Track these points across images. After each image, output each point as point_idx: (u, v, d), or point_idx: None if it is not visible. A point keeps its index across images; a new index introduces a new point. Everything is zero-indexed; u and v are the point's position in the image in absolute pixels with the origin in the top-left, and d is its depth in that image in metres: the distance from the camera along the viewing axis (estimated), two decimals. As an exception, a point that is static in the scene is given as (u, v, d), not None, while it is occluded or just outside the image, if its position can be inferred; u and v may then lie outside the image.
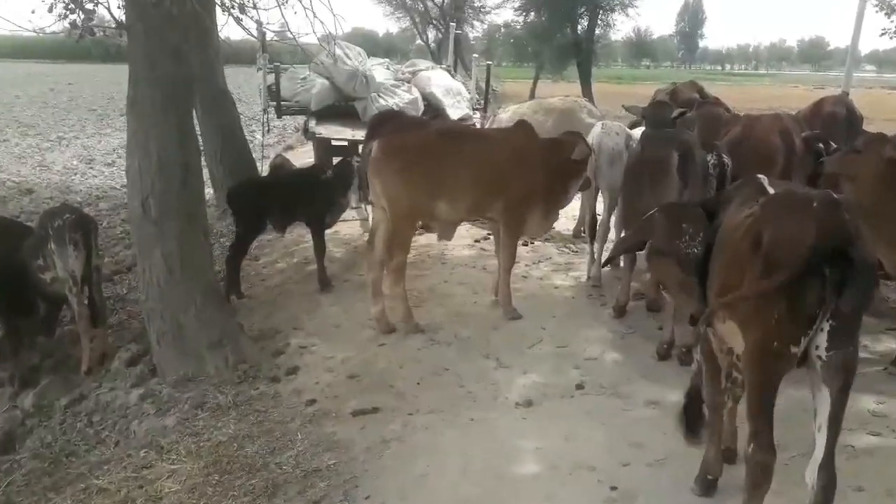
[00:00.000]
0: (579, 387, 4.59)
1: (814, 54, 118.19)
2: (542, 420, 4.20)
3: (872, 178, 4.70)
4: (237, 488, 3.57)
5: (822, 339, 2.74)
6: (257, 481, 3.61)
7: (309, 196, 6.37)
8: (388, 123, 5.88)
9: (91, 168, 13.57)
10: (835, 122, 6.72)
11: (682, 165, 5.02)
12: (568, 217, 8.66)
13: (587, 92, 24.75)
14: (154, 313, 4.92)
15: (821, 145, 5.84)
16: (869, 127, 7.12)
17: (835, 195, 2.82)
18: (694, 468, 3.54)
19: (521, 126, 5.89)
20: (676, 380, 4.61)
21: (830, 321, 2.71)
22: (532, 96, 24.21)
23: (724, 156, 5.46)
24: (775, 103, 8.36)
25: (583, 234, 7.51)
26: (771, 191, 3.10)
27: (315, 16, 5.19)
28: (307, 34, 6.44)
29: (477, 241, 7.74)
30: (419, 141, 5.22)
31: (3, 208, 9.96)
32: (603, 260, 5.93)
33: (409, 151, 5.15)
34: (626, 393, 4.52)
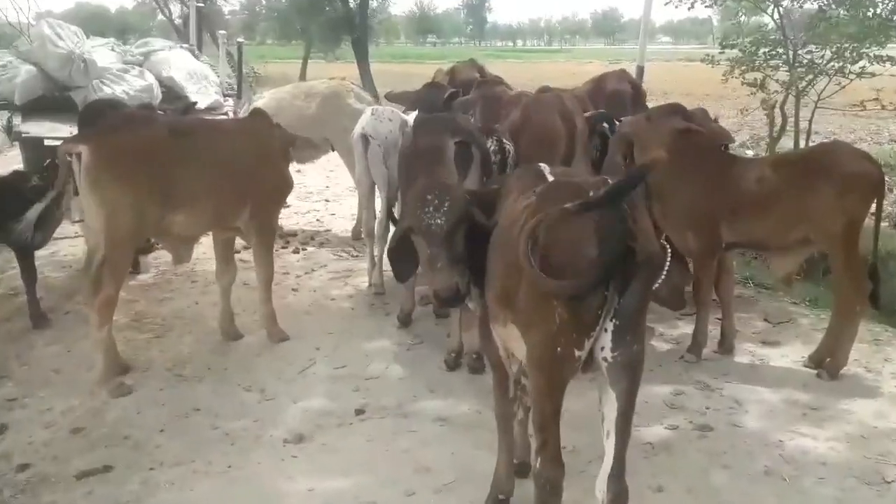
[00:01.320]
0: (359, 411, 4.61)
1: (608, 27, 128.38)
2: (315, 456, 4.16)
3: (660, 149, 5.13)
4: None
5: (606, 340, 2.86)
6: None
7: (10, 210, 5.84)
8: (103, 118, 5.52)
9: None
10: (619, 98, 7.30)
11: (459, 153, 5.19)
12: (346, 217, 8.73)
13: (365, 72, 25.12)
14: None
15: (605, 125, 6.29)
16: (669, 100, 7.80)
17: (610, 181, 2.92)
18: (485, 489, 3.66)
19: (258, 115, 5.85)
20: (467, 389, 4.82)
21: (614, 320, 2.84)
22: (303, 78, 24.13)
23: (506, 141, 5.74)
24: (570, 80, 8.96)
25: (363, 237, 7.57)
26: (551, 179, 3.24)
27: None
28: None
29: (236, 251, 7.53)
30: (144, 140, 4.80)
31: None
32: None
33: (131, 154, 4.72)
34: (412, 412, 4.61)
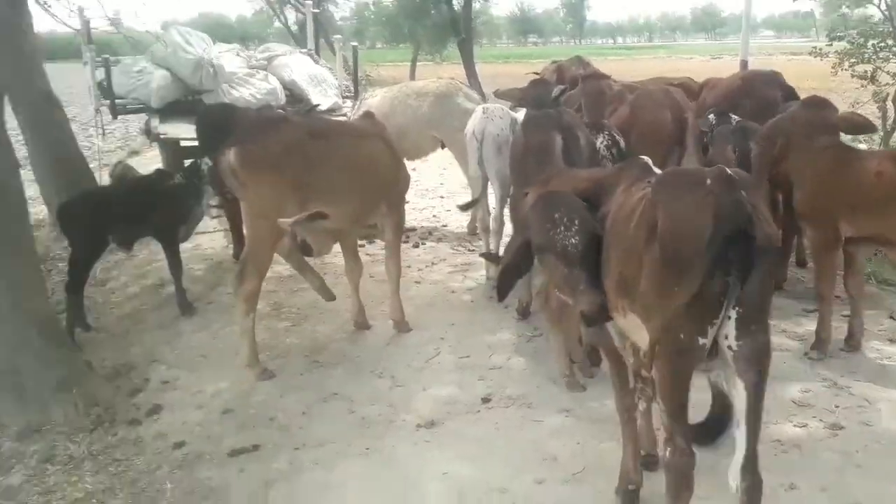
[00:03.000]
0: (485, 400, 4.64)
1: (707, 22, 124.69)
2: (446, 441, 4.22)
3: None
4: (97, 551, 3.41)
5: (730, 329, 2.80)
6: (121, 541, 3.46)
7: (156, 207, 6.14)
8: (245, 123, 5.73)
9: None
10: (768, 103, 6.87)
11: (566, 148, 5.15)
12: (460, 213, 8.79)
13: (471, 73, 25.14)
14: (-17, 356, 4.62)
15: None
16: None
17: (728, 170, 2.85)
18: (613, 480, 3.65)
19: (368, 116, 6.01)
20: (589, 383, 4.76)
21: (737, 308, 2.77)
22: (412, 80, 24.34)
23: (617, 135, 5.67)
24: (671, 77, 8.77)
25: (478, 232, 7.61)
26: (657, 171, 3.18)
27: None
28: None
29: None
30: (287, 143, 4.93)
31: None
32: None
33: (274, 157, 4.85)
34: (536, 402, 4.61)
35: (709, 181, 2.78)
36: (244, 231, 5.12)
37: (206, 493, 3.83)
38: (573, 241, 3.28)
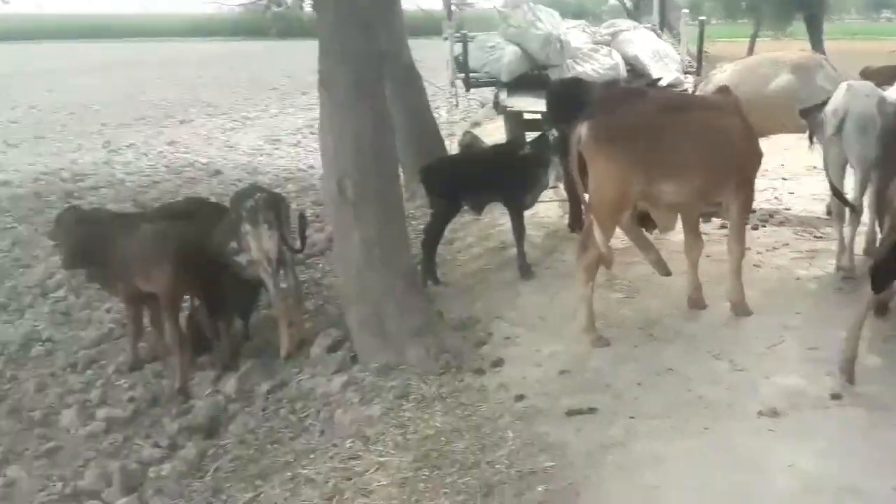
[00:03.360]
0: (835, 396, 4.27)
1: None
2: (792, 433, 3.96)
3: None
4: (449, 486, 3.68)
5: None
6: (469, 479, 3.70)
7: (506, 175, 6.42)
8: (584, 97, 5.78)
9: (277, 149, 14.57)
10: None
11: None
12: (804, 196, 8.18)
13: (818, 50, 23.06)
14: (352, 299, 5.18)
15: None
16: None
17: None
18: None
19: (724, 91, 5.71)
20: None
21: None
22: (751, 53, 22.94)
23: None
24: None
25: (828, 216, 7.02)
26: None
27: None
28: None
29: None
30: (637, 117, 4.93)
31: (193, 190, 10.92)
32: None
33: (624, 130, 4.88)
34: (892, 404, 4.17)
35: None
36: (588, 202, 5.16)
37: (545, 446, 3.96)
38: None
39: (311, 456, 4.21)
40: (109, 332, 6.47)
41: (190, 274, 5.53)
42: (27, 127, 17.45)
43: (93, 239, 5.61)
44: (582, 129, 4.89)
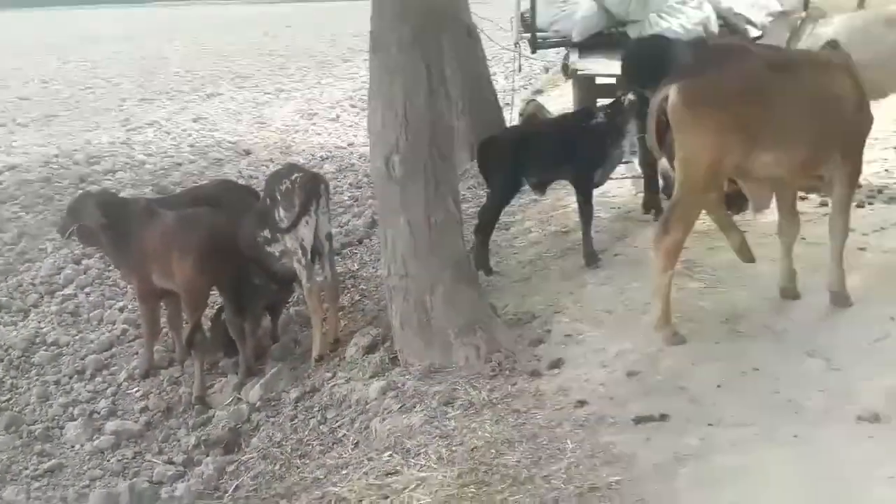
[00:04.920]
0: (949, 400, 4.18)
1: None
2: (895, 440, 3.88)
3: None
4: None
5: None
6: (522, 496, 3.70)
7: (575, 148, 6.38)
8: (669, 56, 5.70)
9: (313, 124, 14.75)
10: None
11: None
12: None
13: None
14: (396, 292, 5.21)
15: None
16: None
17: None
18: None
19: (834, 48, 5.64)
20: None
21: None
22: (861, 7, 22.30)
23: None
24: None
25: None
26: None
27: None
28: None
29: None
30: (735, 79, 4.82)
31: (219, 172, 11.12)
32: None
33: (726, 94, 4.78)
34: None
35: None
36: (675, 175, 5.10)
37: (610, 458, 3.94)
38: None
39: (344, 471, 4.26)
40: (122, 333, 6.63)
41: (215, 267, 5.64)
42: (39, 104, 17.87)
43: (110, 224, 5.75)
44: (670, 92, 4.84)
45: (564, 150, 6.37)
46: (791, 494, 3.59)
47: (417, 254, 5.08)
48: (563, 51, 9.53)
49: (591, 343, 5.18)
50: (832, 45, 5.96)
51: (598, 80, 8.45)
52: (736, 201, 5.64)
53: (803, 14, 8.47)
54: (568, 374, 4.84)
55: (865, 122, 5.32)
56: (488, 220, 6.43)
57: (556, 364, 4.96)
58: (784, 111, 4.82)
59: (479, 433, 4.26)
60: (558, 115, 7.48)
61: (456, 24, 8.89)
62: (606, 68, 7.88)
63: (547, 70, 16.75)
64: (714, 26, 8.25)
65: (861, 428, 4.00)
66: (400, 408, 4.67)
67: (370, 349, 5.45)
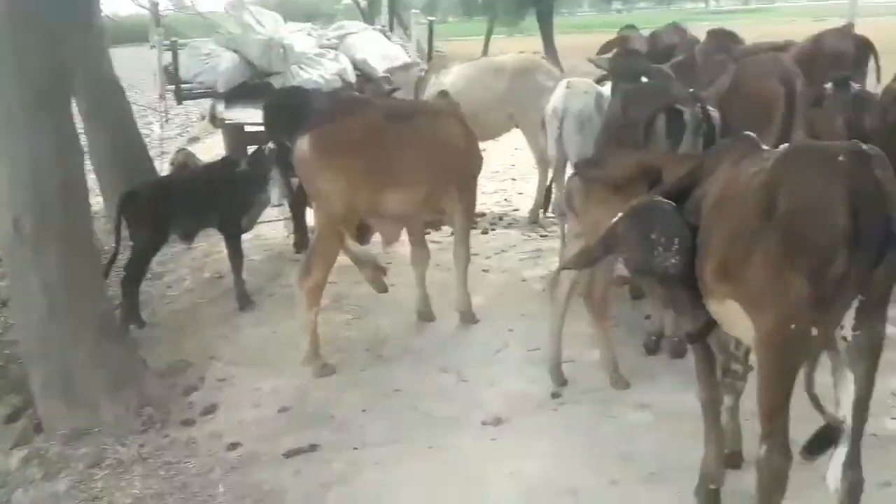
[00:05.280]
0: (556, 395, 4.69)
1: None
2: (514, 439, 4.27)
3: None
4: (146, 559, 3.56)
5: (848, 317, 2.75)
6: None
7: (220, 196, 6.33)
8: (305, 106, 5.88)
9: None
10: (840, 60, 6.83)
11: (670, 124, 5.07)
12: (533, 196, 8.76)
13: (550, 46, 24.94)
14: (35, 357, 4.84)
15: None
16: (887, 59, 7.32)
17: (864, 146, 2.78)
18: (693, 479, 3.62)
19: (445, 96, 6.14)
20: (669, 376, 4.76)
21: (860, 297, 2.72)
22: (486, 54, 24.29)
23: (711, 109, 5.53)
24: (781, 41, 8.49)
25: (550, 215, 7.57)
26: (766, 148, 3.13)
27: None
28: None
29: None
30: (359, 128, 5.06)
31: None
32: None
33: (345, 143, 5.00)
34: (611, 398, 4.62)
35: (842, 158, 2.71)
36: (312, 219, 5.24)
37: (261, 496, 3.95)
38: (673, 261, 3.21)
39: (-15, 550, 3.91)
40: None
41: None
42: None
43: None
44: (301, 142, 4.98)
45: (209, 198, 6.30)
46: (426, 500, 3.82)
47: (55, 316, 4.74)
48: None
49: (245, 384, 5.15)
50: (442, 94, 6.44)
51: (249, 128, 8.46)
52: (365, 235, 5.88)
53: (425, 66, 9.08)
54: (221, 418, 4.77)
55: (475, 161, 5.82)
56: (135, 273, 6.16)
57: (210, 410, 4.86)
58: (403, 155, 5.14)
59: (128, 491, 4.06)
60: (203, 164, 7.36)
61: (95, 76, 8.48)
62: (252, 117, 7.90)
63: (203, 118, 16.43)
64: (351, 76, 8.57)
65: (485, 431, 4.36)
66: (43, 476, 4.31)
67: (12, 417, 4.98)
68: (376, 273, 5.70)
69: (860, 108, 5.24)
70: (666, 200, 3.36)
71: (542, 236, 7.63)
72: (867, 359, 2.79)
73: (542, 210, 7.61)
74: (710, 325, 3.31)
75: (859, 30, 8.38)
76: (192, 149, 10.79)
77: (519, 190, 9.43)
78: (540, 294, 6.23)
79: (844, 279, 2.65)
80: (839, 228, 2.61)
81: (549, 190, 6.63)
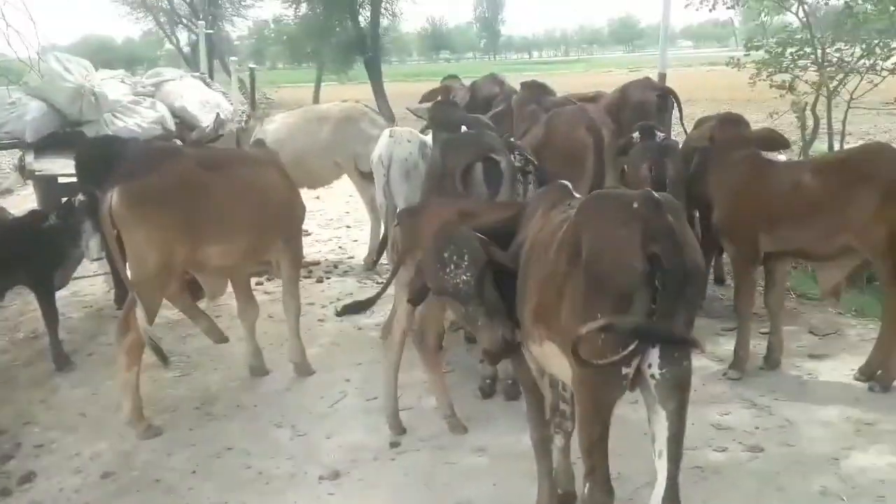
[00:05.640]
0: (394, 444, 4.62)
1: (625, 34, 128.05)
2: (352, 492, 4.16)
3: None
4: None
5: (653, 357, 2.84)
6: None
7: (29, 252, 5.91)
8: (117, 157, 5.63)
9: None
10: (645, 109, 7.27)
11: (487, 171, 5.17)
12: (364, 243, 8.75)
13: (379, 93, 25.20)
14: None
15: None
16: (693, 108, 7.80)
17: (655, 194, 2.94)
18: (531, 520, 3.64)
19: (261, 144, 6.10)
20: (504, 419, 4.79)
21: None
22: (316, 101, 24.29)
23: (530, 156, 5.71)
24: (590, 91, 8.98)
25: (384, 263, 7.56)
26: (577, 195, 3.25)
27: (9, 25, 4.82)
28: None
29: (259, 283, 7.56)
30: (172, 178, 4.82)
31: None
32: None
33: (159, 194, 4.74)
34: (449, 443, 4.60)
35: (636, 205, 2.86)
36: (128, 275, 4.94)
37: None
38: (464, 277, 3.30)
39: None
40: None
41: None
42: None
43: None
44: (112, 194, 4.69)
45: (16, 255, 5.86)
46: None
47: None
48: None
49: (65, 450, 4.79)
50: (259, 143, 6.35)
51: (62, 180, 8.01)
52: (197, 288, 5.66)
53: (249, 114, 8.94)
54: (41, 487, 4.40)
55: (297, 210, 5.70)
56: (-62, 337, 5.66)
57: (28, 478, 4.48)
58: (219, 206, 4.93)
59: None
60: (9, 219, 6.88)
61: None
62: (65, 168, 7.48)
63: (14, 169, 15.52)
64: (170, 124, 8.31)
65: (323, 486, 4.23)
66: None
67: None
68: (212, 323, 5.49)
69: (663, 155, 5.52)
70: (461, 225, 3.50)
71: (377, 283, 7.56)
72: (676, 396, 2.88)
73: (376, 257, 7.58)
74: (508, 346, 3.36)
75: (671, 80, 8.96)
76: (5, 202, 10.16)
77: (354, 237, 9.39)
78: (377, 342, 6.11)
79: (646, 318, 2.76)
80: (636, 270, 2.75)
81: (384, 237, 6.60)
